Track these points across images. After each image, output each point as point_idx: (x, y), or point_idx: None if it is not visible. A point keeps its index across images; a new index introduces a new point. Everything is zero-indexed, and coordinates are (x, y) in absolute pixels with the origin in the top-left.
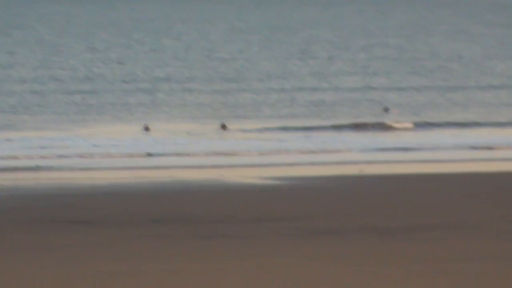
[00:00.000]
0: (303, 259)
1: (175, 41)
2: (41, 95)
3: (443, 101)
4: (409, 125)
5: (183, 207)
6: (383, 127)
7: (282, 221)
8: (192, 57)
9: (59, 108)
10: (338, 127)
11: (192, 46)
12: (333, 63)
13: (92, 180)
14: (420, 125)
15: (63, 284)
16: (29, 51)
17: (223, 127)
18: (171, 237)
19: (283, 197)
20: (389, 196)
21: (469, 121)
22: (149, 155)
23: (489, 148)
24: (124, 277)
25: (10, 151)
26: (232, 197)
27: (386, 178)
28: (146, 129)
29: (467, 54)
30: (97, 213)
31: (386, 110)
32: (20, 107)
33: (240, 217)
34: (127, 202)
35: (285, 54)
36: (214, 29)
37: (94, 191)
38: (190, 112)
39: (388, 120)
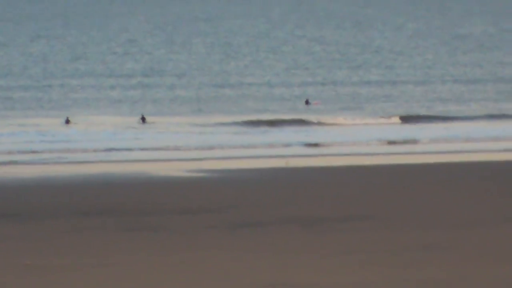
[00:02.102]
0: (227, 251)
1: (97, 35)
2: None
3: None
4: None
5: (109, 199)
6: (321, 122)
7: (207, 213)
8: (111, 51)
9: None
10: (267, 123)
11: (112, 40)
12: (256, 56)
13: (19, 174)
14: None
15: None
16: None
17: (143, 119)
18: (98, 229)
19: (208, 190)
20: (313, 188)
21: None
22: (141, 150)
23: (414, 141)
24: (51, 270)
25: None
26: (159, 189)
27: (311, 170)
28: (67, 122)
29: (400, 47)
30: (24, 207)
31: (307, 102)
32: None
33: (166, 209)
34: (54, 195)
35: (207, 48)
36: (135, 22)
37: (21, 184)
38: (110, 105)
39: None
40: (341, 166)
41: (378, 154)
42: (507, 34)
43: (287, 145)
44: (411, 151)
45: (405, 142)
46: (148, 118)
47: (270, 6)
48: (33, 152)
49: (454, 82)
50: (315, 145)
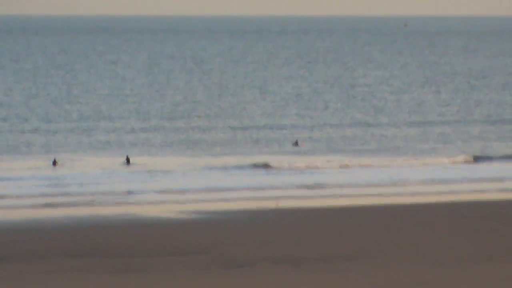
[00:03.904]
0: None
1: (81, 77)
2: None
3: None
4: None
5: (98, 242)
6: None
7: (196, 254)
8: (95, 93)
9: None
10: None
11: (98, 81)
12: (241, 96)
13: (8, 216)
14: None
15: None
16: None
17: (128, 161)
18: (87, 271)
19: (197, 231)
20: (303, 228)
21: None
22: (130, 192)
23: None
24: None
25: None
26: (147, 231)
27: (301, 211)
28: (54, 163)
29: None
30: (11, 249)
31: (295, 144)
32: None
33: (156, 251)
34: (42, 237)
35: (194, 88)
36: (119, 61)
37: (9, 228)
38: (95, 147)
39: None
40: (330, 207)
41: (368, 195)
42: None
43: (280, 187)
44: (397, 192)
45: (392, 184)
46: (133, 159)
47: (259, 44)
48: (21, 196)
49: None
50: (309, 186)
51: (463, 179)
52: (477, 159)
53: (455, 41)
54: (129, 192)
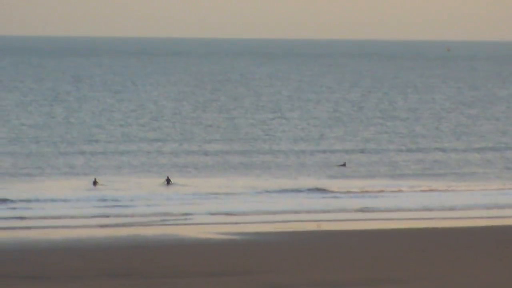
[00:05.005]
0: None
1: (119, 99)
2: None
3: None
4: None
5: (138, 262)
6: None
7: (237, 275)
8: (134, 116)
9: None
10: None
11: (124, 102)
12: (288, 122)
13: (48, 236)
14: None
15: None
16: None
17: (168, 182)
18: None
19: (238, 252)
20: (345, 252)
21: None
22: (171, 213)
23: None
24: None
25: None
26: (188, 252)
27: (344, 234)
28: (95, 183)
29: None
30: (50, 268)
31: (344, 165)
32: None
33: (197, 272)
34: (81, 257)
35: (236, 112)
36: (159, 84)
37: (49, 247)
38: (136, 168)
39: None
40: (374, 230)
41: (409, 219)
42: None
43: (328, 210)
44: (440, 216)
45: (444, 208)
46: (174, 180)
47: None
48: (62, 216)
49: None
50: (356, 209)
51: None
52: None
53: (498, 67)
54: (171, 213)
